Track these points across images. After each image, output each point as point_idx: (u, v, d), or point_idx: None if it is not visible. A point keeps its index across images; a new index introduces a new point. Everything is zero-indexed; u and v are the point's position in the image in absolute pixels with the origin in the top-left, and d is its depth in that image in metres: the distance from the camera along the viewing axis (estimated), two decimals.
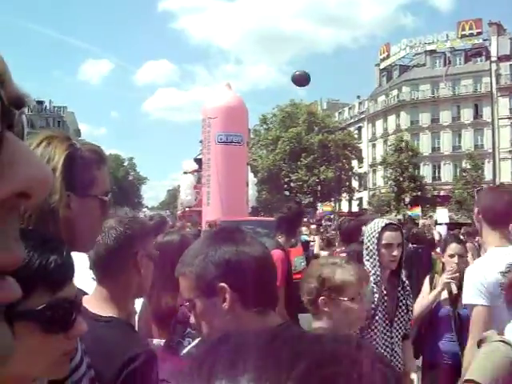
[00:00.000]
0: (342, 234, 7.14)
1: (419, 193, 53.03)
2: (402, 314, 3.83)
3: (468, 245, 11.63)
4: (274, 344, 0.44)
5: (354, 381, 0.40)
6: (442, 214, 26.21)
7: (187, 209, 26.84)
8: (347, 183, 59.34)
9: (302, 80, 15.47)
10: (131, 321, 2.26)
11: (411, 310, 4.04)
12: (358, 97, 78.02)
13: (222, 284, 1.58)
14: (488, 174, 53.59)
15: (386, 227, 3.77)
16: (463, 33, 63.29)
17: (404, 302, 3.86)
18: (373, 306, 3.60)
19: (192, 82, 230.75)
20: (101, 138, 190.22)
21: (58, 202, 1.56)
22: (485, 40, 62.27)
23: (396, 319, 3.79)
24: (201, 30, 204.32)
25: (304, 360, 0.42)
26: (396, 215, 46.45)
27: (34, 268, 1.14)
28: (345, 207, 64.35)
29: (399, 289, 3.86)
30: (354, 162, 60.98)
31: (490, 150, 57.74)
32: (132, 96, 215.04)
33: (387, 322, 3.72)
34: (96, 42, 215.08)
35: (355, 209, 64.83)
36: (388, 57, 71.39)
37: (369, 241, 3.79)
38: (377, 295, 3.67)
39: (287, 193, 56.30)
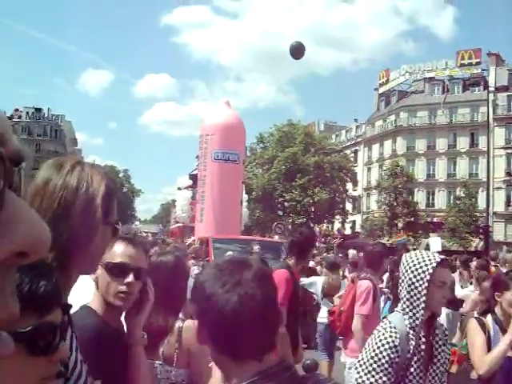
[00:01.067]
0: (367, 259, 7.08)
1: (412, 218, 53.08)
2: (438, 364, 3.24)
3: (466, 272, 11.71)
4: None
5: None
6: (435, 242, 26.22)
7: (180, 224, 26.82)
8: (341, 205, 59.40)
9: (297, 52, 15.30)
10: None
11: (448, 359, 3.43)
12: (356, 120, 78.49)
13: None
14: (482, 203, 53.63)
15: (441, 263, 3.19)
16: (462, 62, 63.76)
17: (441, 349, 3.28)
18: (408, 355, 3.06)
19: (191, 96, 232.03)
20: (97, 149, 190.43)
21: (97, 229, 1.66)
22: (483, 70, 62.76)
23: (431, 371, 3.21)
24: (202, 46, 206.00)
25: None
26: (388, 240, 46.46)
27: (24, 291, 1.15)
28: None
29: (437, 333, 3.30)
30: (349, 185, 61.10)
31: (485, 179, 57.88)
32: (130, 108, 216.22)
33: (421, 374, 3.14)
34: (97, 52, 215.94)
35: (348, 231, 64.83)
36: (387, 82, 71.82)
37: (415, 276, 3.16)
38: (413, 342, 3.10)
39: (281, 212, 56.28)
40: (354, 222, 66.50)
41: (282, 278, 5.21)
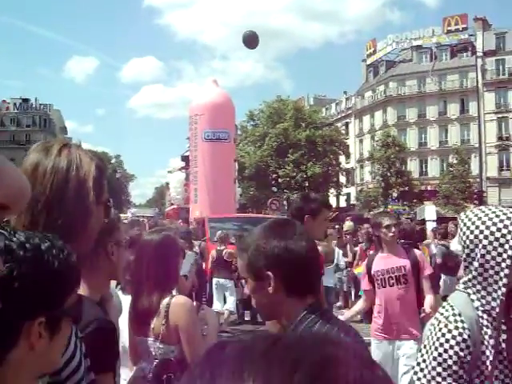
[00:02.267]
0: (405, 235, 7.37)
1: (406, 188, 53.24)
2: None
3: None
4: (275, 349, 0.44)
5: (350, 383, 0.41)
6: (430, 211, 26.32)
7: (175, 206, 26.78)
8: (335, 179, 59.38)
9: (251, 41, 15.20)
10: (106, 303, 2.38)
11: None
12: (345, 92, 78.19)
13: (269, 272, 1.89)
14: (474, 169, 53.91)
15: None
16: (449, 28, 63.49)
17: None
18: (483, 348, 2.18)
19: (179, 78, 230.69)
20: (88, 136, 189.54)
21: (92, 211, 1.70)
22: (470, 35, 62.49)
23: None
24: (186, 26, 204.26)
25: (304, 364, 0.42)
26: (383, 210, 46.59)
27: (73, 270, 1.30)
28: (332, 202, 64.36)
29: None
30: (342, 158, 61.03)
31: (477, 145, 58.04)
32: (118, 93, 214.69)
33: (506, 371, 2.20)
34: (81, 39, 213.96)
35: (343, 204, 64.98)
36: (374, 52, 71.51)
37: (496, 240, 2.15)
38: (489, 331, 2.19)
39: (275, 189, 56.28)
40: (348, 195, 66.61)
41: None
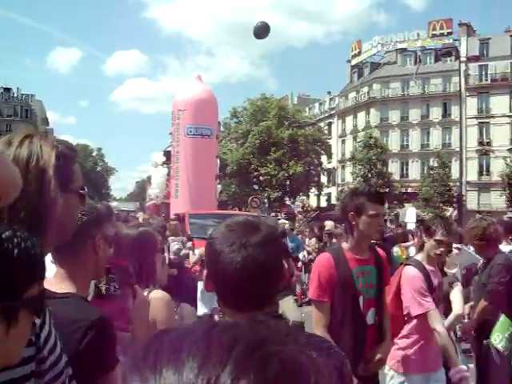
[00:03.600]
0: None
1: (387, 189, 53.55)
2: None
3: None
4: (213, 331, 0.47)
5: (284, 361, 0.44)
6: (410, 213, 26.53)
7: (154, 201, 26.68)
8: (316, 178, 59.55)
9: (261, 32, 15.09)
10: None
11: None
12: (329, 92, 78.42)
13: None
14: (455, 173, 54.20)
15: None
16: (434, 32, 63.89)
17: None
18: None
19: (163, 72, 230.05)
20: (69, 127, 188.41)
21: (54, 200, 1.64)
22: (455, 40, 62.95)
23: None
24: (172, 20, 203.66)
25: (242, 342, 0.45)
26: None
27: (35, 261, 1.26)
28: (313, 202, 64.56)
29: None
30: (323, 158, 61.22)
31: (458, 149, 58.33)
32: (101, 85, 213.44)
33: None
34: (65, 30, 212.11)
35: (324, 204, 65.17)
36: (359, 53, 71.77)
37: None
38: None
39: (256, 186, 56.31)
40: (329, 195, 66.83)
41: None
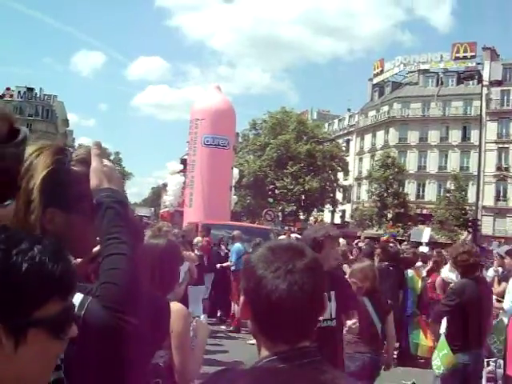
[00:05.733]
0: None
1: (402, 209, 53.30)
2: None
3: None
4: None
5: None
6: (426, 235, 26.32)
7: (168, 209, 26.73)
8: (331, 195, 59.43)
9: None
10: None
11: None
12: (349, 109, 78.47)
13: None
14: (471, 197, 53.89)
15: None
16: (457, 55, 63.72)
17: None
18: None
19: (184, 80, 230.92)
20: (89, 130, 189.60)
21: (35, 220, 1.60)
22: (478, 64, 62.73)
23: None
24: (196, 29, 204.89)
25: None
26: (377, 230, 46.62)
27: (50, 276, 1.16)
28: (327, 218, 64.41)
29: None
30: (340, 175, 61.12)
31: (475, 173, 58.07)
32: (122, 90, 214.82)
33: None
34: (91, 33, 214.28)
35: (337, 221, 64.96)
36: (381, 72, 71.75)
37: None
38: None
39: (271, 200, 56.29)
40: (343, 212, 66.65)
41: None
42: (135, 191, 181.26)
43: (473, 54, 63.08)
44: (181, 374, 3.06)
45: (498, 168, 57.56)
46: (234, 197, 27.38)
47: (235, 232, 13.92)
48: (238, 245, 13.18)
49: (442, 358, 5.33)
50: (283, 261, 1.60)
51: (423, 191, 63.14)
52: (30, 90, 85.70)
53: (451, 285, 6.27)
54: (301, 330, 1.62)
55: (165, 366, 2.99)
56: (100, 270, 1.58)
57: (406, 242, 25.88)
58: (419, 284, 11.06)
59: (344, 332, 4.74)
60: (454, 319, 5.72)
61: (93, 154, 1.70)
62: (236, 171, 25.98)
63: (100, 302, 1.51)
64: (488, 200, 56.45)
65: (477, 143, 58.91)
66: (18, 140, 1.57)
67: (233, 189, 24.02)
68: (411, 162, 63.18)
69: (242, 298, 1.74)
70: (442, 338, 5.61)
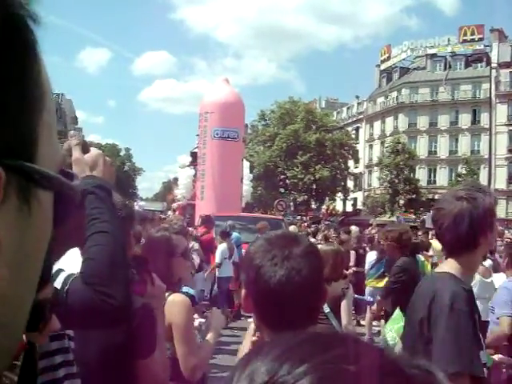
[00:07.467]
0: None
1: (414, 195, 53.12)
2: None
3: None
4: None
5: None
6: None
7: (180, 202, 26.80)
8: (342, 183, 59.33)
9: None
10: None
11: None
12: (357, 97, 78.09)
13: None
14: (483, 180, 53.59)
15: None
16: (465, 38, 63.34)
17: None
18: None
19: (191, 73, 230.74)
20: (98, 127, 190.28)
21: None
22: (486, 46, 62.26)
23: None
24: (200, 22, 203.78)
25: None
26: (390, 217, 46.52)
27: None
28: (339, 207, 64.34)
29: None
30: (350, 162, 61.03)
31: (487, 156, 57.82)
32: (129, 85, 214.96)
33: None
34: (95, 30, 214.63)
35: (349, 209, 64.89)
36: (389, 58, 71.40)
37: None
38: None
39: (282, 190, 56.32)
40: (355, 199, 66.53)
41: None
42: (146, 186, 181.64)
43: (480, 36, 62.64)
44: (183, 366, 3.04)
45: (510, 150, 57.21)
46: (250, 188, 27.43)
47: (228, 222, 13.32)
48: (224, 244, 12.56)
49: (397, 329, 5.41)
50: (279, 249, 1.62)
51: (434, 176, 62.90)
52: None
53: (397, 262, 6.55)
54: (302, 316, 1.60)
55: (170, 358, 2.99)
56: (83, 250, 1.63)
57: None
58: (429, 268, 11.07)
59: None
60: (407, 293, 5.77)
61: (72, 145, 1.76)
62: (247, 164, 25.99)
63: (81, 279, 1.55)
64: (500, 183, 56.15)
65: (487, 126, 58.55)
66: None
67: (249, 181, 24.05)
68: (421, 148, 62.95)
69: (243, 292, 1.75)
70: (398, 311, 5.69)
